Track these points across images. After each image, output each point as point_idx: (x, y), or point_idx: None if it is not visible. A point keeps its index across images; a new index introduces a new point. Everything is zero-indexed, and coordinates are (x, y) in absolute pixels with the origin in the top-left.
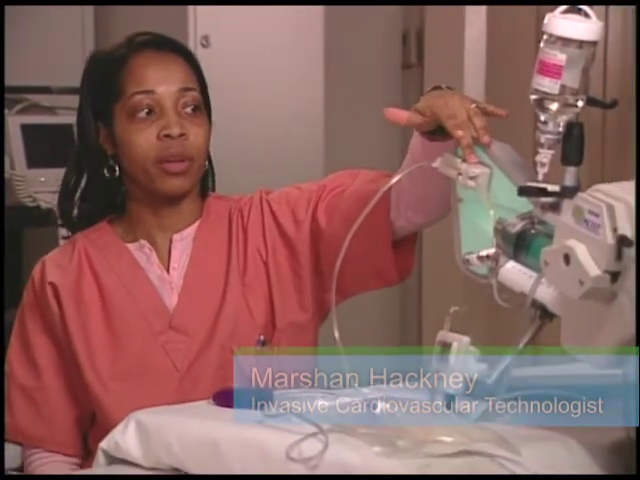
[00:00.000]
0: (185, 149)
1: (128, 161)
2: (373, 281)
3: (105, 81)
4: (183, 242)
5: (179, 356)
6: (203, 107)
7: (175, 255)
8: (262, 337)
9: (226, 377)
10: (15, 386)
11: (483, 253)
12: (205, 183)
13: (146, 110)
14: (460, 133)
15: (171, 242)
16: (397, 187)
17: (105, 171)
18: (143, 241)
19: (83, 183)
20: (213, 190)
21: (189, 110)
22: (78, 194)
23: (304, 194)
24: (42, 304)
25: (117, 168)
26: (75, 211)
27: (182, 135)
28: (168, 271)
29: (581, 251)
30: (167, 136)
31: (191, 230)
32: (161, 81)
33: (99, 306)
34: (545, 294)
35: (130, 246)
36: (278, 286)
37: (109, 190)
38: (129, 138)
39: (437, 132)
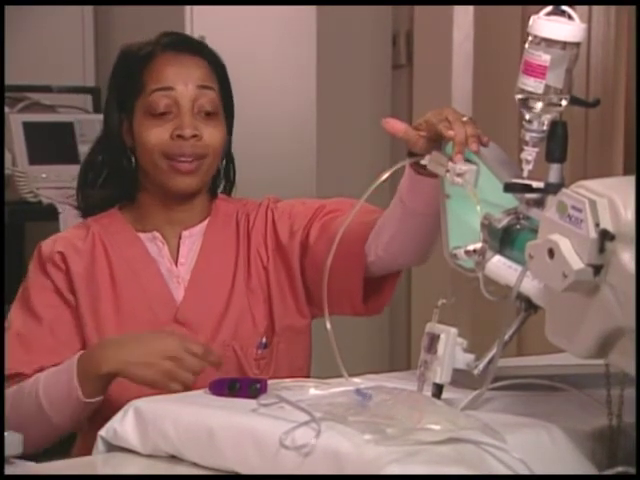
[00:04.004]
0: (196, 149)
1: (142, 155)
2: (344, 306)
3: (129, 76)
4: (192, 239)
5: None
6: (221, 109)
7: (183, 250)
8: (264, 340)
9: (227, 374)
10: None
11: (470, 247)
12: (215, 183)
13: (164, 110)
14: (451, 133)
15: (180, 238)
16: (378, 222)
17: (123, 161)
18: (156, 233)
19: (103, 171)
20: (232, 188)
21: (204, 114)
22: (98, 180)
23: (306, 210)
24: (50, 271)
25: (133, 160)
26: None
27: (195, 136)
28: (176, 265)
29: (564, 245)
30: (179, 136)
31: (200, 228)
32: (180, 79)
33: (110, 288)
34: (530, 287)
35: (142, 236)
36: (277, 291)
37: (124, 180)
38: (143, 133)
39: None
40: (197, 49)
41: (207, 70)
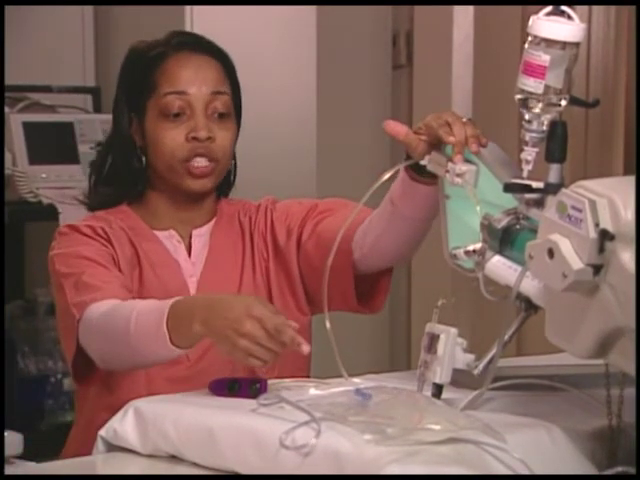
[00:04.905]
0: (211, 151)
1: (155, 156)
2: (338, 303)
3: (141, 76)
4: (201, 238)
5: None
6: (233, 111)
7: (195, 249)
8: None
9: (234, 372)
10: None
11: (470, 248)
12: (223, 184)
13: (177, 111)
14: (452, 139)
15: (190, 237)
16: (365, 221)
17: (133, 161)
18: (173, 232)
19: (112, 169)
20: (232, 185)
21: (218, 115)
22: (105, 177)
23: (302, 209)
24: (89, 232)
25: (143, 159)
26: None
27: (209, 138)
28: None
29: (564, 245)
30: (194, 138)
31: (207, 228)
32: (193, 83)
33: (138, 276)
34: (530, 287)
35: (158, 233)
36: (277, 290)
37: (133, 178)
38: (158, 135)
39: (424, 173)
40: (210, 50)
41: (220, 72)
